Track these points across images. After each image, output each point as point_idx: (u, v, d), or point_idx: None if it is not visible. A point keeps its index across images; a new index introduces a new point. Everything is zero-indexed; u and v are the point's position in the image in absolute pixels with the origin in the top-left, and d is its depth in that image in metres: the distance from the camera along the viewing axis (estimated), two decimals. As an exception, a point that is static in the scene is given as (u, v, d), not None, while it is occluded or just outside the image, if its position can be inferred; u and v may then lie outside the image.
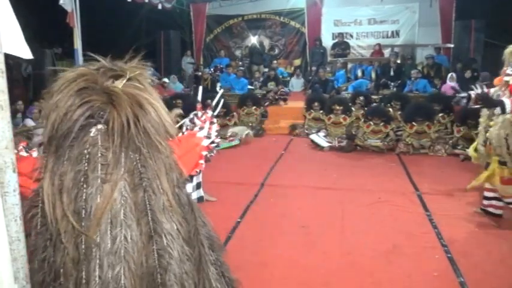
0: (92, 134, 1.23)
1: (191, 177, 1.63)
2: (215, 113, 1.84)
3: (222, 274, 1.46)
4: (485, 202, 3.79)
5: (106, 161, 1.20)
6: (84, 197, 1.19)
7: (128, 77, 1.29)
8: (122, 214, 1.19)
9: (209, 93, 9.01)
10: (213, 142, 1.63)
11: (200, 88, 2.53)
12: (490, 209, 3.74)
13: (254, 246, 3.19)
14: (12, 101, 7.27)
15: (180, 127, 1.93)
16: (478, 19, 10.05)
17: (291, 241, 3.38)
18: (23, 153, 1.67)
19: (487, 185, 3.69)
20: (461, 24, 10.41)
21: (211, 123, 1.71)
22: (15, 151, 1.41)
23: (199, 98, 2.33)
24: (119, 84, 1.27)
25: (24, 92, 9.81)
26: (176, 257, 1.25)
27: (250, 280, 2.02)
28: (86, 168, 1.20)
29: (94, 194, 1.19)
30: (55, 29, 8.68)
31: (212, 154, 1.64)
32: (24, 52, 1.40)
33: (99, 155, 1.20)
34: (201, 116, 1.76)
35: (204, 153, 1.57)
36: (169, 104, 7.29)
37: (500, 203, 3.67)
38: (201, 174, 2.11)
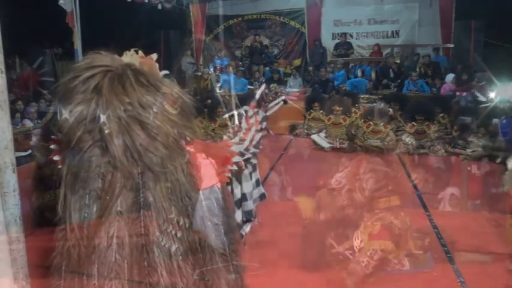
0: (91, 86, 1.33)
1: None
2: (268, 114, 1.77)
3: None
4: None
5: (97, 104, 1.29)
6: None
7: (132, 51, 1.44)
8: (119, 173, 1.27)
9: (209, 93, 9.01)
10: (245, 153, 1.57)
11: (263, 86, 2.37)
12: None
13: (254, 246, 3.18)
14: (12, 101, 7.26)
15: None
16: (478, 19, 10.04)
17: (291, 241, 3.37)
18: None
19: None
20: (461, 24, 10.40)
21: (257, 130, 1.61)
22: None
23: (258, 96, 2.12)
24: (124, 57, 1.42)
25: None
26: (165, 233, 1.26)
27: (250, 280, 2.02)
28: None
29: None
30: (55, 29, 8.66)
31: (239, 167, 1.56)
32: None
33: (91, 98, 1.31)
34: (251, 117, 1.71)
35: (230, 167, 1.51)
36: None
37: None
38: (257, 171, 2.01)
